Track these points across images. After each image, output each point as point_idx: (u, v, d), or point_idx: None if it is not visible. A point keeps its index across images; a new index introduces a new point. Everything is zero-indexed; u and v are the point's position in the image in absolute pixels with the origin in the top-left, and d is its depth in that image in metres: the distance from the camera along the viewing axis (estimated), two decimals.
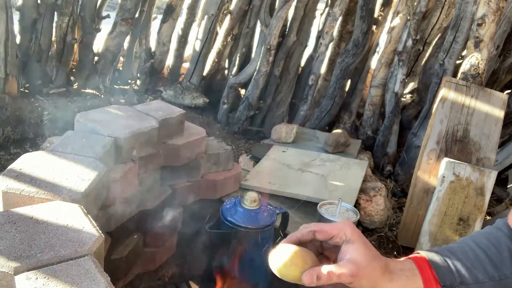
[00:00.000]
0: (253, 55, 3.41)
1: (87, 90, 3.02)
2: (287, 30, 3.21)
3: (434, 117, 2.35)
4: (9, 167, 1.39)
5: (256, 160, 2.70)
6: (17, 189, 1.28)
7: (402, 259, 0.85)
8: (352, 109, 3.34)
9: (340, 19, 3.17)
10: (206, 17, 3.20)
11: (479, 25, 2.36)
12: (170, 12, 3.22)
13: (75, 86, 3.04)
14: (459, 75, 2.46)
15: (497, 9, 2.33)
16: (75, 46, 2.98)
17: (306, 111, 3.26)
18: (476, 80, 2.38)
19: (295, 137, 2.91)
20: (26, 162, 1.43)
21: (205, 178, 2.17)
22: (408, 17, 2.89)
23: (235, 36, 3.34)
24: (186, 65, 3.48)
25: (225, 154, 2.24)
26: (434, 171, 2.29)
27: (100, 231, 1.18)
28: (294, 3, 3.08)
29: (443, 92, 2.35)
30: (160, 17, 3.34)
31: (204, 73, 3.34)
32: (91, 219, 1.22)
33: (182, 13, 3.28)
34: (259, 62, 3.11)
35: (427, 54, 3.22)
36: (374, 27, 3.19)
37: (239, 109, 3.23)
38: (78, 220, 1.20)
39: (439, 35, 3.12)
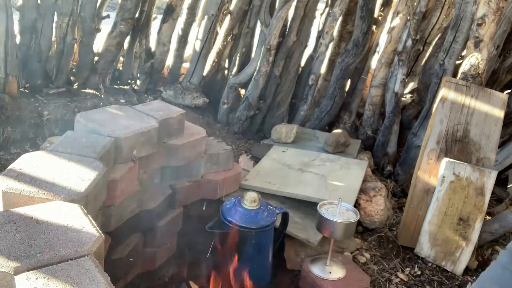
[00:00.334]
0: (253, 55, 3.41)
1: (87, 90, 3.02)
2: (287, 30, 3.21)
3: (434, 117, 2.35)
4: (9, 167, 1.39)
5: (256, 160, 2.70)
6: (17, 189, 1.29)
7: None
8: (352, 109, 3.34)
9: (340, 19, 3.17)
10: (206, 17, 3.20)
11: (479, 25, 2.36)
12: (170, 12, 3.22)
13: (75, 86, 3.04)
14: (459, 75, 2.46)
15: (497, 9, 2.33)
16: (75, 46, 2.98)
17: (306, 111, 3.26)
18: (476, 80, 2.38)
19: (295, 137, 2.91)
20: (26, 162, 1.43)
21: (205, 178, 2.17)
22: (408, 17, 2.89)
23: (235, 36, 3.34)
24: (186, 65, 3.48)
25: (225, 154, 2.24)
26: (434, 171, 2.29)
27: (100, 231, 1.18)
28: (294, 3, 3.08)
29: (443, 92, 2.36)
30: (160, 17, 3.34)
31: (204, 73, 3.34)
32: (91, 219, 1.22)
33: (182, 13, 3.28)
34: (259, 62, 3.11)
35: (427, 54, 3.22)
36: (374, 27, 3.19)
37: (239, 109, 3.23)
38: (78, 220, 1.20)
39: (439, 35, 3.12)
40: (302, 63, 3.42)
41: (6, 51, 2.52)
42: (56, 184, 1.34)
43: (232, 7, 3.21)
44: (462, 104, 2.33)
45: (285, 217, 1.97)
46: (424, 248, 2.25)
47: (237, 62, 3.36)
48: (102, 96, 2.98)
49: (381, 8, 3.24)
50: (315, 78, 3.19)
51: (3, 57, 2.53)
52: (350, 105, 3.34)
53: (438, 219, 2.21)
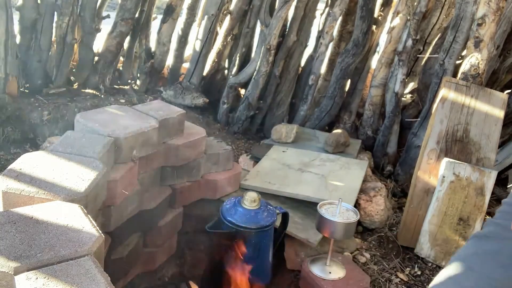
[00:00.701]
0: (253, 55, 3.41)
1: (87, 90, 3.02)
2: (287, 30, 3.21)
3: (434, 117, 2.35)
4: (9, 167, 1.39)
5: (256, 160, 2.69)
6: (17, 189, 1.29)
7: None
8: (352, 109, 3.34)
9: (340, 19, 3.17)
10: (206, 17, 3.20)
11: (479, 25, 2.36)
12: (170, 12, 3.22)
13: (75, 86, 3.04)
14: (459, 75, 2.46)
15: (497, 9, 2.33)
16: (75, 46, 2.98)
17: (306, 111, 3.26)
18: (476, 80, 2.38)
19: (295, 137, 2.91)
20: (26, 162, 1.43)
21: (205, 178, 2.17)
22: (408, 17, 2.89)
23: (235, 36, 3.34)
24: (186, 65, 3.48)
25: (225, 154, 2.24)
26: (434, 171, 2.29)
27: (100, 231, 1.18)
28: (294, 3, 3.08)
29: (443, 92, 2.36)
30: (160, 17, 3.34)
31: (204, 73, 3.34)
32: (91, 219, 1.22)
33: (182, 13, 3.28)
34: (259, 62, 3.11)
35: (427, 54, 3.22)
36: (374, 27, 3.19)
37: (239, 109, 3.23)
38: (78, 220, 1.20)
39: (439, 35, 3.12)
40: (302, 63, 3.42)
41: (6, 51, 2.53)
42: (56, 184, 1.34)
43: (232, 7, 3.21)
44: (462, 104, 2.33)
45: (285, 217, 1.97)
46: (424, 248, 2.25)
47: (237, 62, 3.36)
48: (102, 96, 2.98)
49: (381, 8, 3.24)
50: (315, 78, 3.19)
51: (3, 57, 2.53)
52: (350, 105, 3.34)
53: (438, 219, 2.21)
